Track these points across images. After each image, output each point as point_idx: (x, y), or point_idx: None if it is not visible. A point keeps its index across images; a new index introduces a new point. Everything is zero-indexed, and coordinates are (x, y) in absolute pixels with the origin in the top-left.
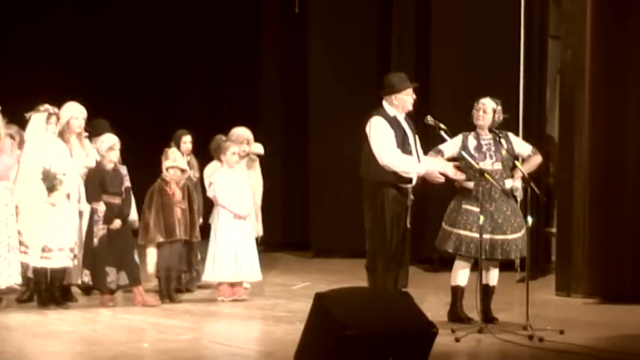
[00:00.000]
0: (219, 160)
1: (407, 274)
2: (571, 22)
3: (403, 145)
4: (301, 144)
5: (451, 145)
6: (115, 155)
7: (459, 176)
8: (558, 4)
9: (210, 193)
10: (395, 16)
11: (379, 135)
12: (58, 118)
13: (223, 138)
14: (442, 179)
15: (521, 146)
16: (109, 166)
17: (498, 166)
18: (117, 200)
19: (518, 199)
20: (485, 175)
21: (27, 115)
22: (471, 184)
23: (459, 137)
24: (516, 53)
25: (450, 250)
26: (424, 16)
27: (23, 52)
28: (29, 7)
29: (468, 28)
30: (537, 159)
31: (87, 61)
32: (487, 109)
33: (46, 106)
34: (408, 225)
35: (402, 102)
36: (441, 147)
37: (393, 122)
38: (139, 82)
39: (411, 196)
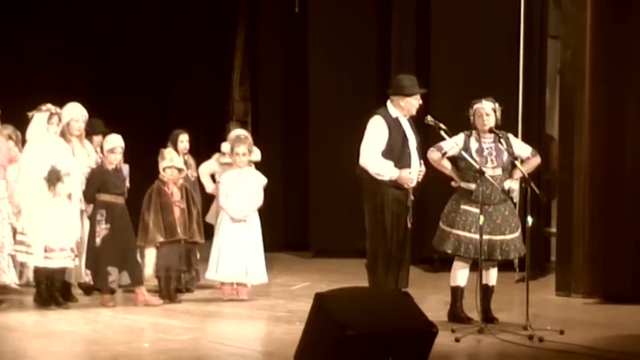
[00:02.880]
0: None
1: (407, 274)
2: (571, 22)
3: (402, 147)
4: (301, 144)
5: (452, 144)
6: (115, 158)
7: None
8: (558, 4)
9: (209, 190)
10: (395, 17)
11: (369, 136)
12: (60, 118)
13: (232, 137)
14: (413, 181)
15: (521, 148)
16: (111, 166)
17: (499, 171)
18: (120, 200)
19: (514, 200)
20: (486, 175)
21: (29, 114)
22: (472, 186)
23: (461, 137)
24: (516, 53)
25: (449, 251)
26: (424, 16)
27: (23, 52)
28: (28, 6)
29: (468, 29)
30: (536, 161)
31: (86, 61)
32: (489, 112)
33: (49, 105)
34: (409, 225)
35: (409, 105)
36: (443, 144)
37: (394, 124)
38: (138, 82)
39: (412, 197)
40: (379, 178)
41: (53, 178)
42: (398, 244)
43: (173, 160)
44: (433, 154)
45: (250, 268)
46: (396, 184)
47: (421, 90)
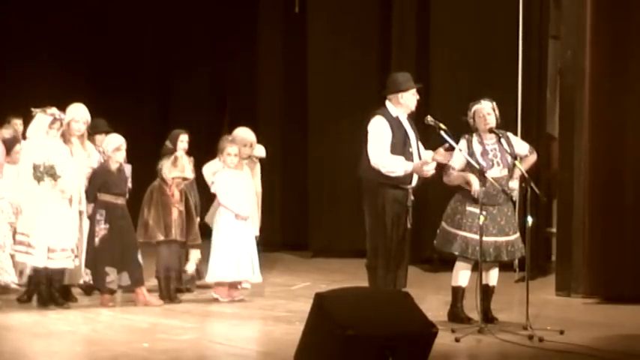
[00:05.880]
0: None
1: (406, 275)
2: (571, 22)
3: (404, 146)
4: (301, 144)
5: (459, 156)
6: (121, 156)
7: (445, 157)
8: (558, 4)
9: (213, 190)
10: (395, 16)
11: (375, 136)
12: (62, 124)
13: (229, 138)
14: (431, 172)
15: (520, 146)
16: (114, 166)
17: (505, 172)
18: (120, 201)
19: (514, 199)
20: (488, 177)
21: (33, 110)
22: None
23: (463, 142)
24: (516, 53)
25: (457, 253)
26: (424, 16)
27: (23, 51)
28: (29, 5)
29: (468, 28)
30: (533, 158)
31: (87, 61)
32: (489, 111)
33: (54, 110)
34: (409, 225)
35: (407, 101)
36: (451, 164)
37: (395, 123)
38: (139, 81)
39: (412, 197)
40: (393, 175)
41: (39, 174)
42: (398, 244)
43: (184, 171)
44: (448, 177)
45: (249, 268)
46: (397, 185)
47: (417, 85)
